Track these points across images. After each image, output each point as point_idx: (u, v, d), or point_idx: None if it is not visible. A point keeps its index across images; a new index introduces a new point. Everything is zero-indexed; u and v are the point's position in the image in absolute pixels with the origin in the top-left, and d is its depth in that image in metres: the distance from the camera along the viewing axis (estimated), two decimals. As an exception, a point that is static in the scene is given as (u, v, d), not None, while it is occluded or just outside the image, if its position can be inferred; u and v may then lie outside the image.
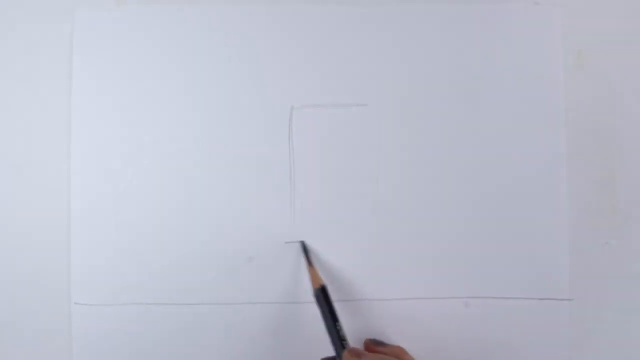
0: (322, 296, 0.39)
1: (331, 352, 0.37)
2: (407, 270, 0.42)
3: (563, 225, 0.42)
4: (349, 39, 0.43)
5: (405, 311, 0.42)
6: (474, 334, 0.42)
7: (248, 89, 0.42)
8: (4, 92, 0.43)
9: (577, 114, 0.42)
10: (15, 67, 0.43)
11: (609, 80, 0.43)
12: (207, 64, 0.43)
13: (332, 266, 0.42)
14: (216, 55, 0.43)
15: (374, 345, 0.40)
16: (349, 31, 0.43)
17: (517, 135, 0.42)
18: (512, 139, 0.42)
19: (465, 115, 0.42)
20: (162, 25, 0.43)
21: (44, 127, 0.43)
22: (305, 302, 0.41)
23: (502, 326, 0.42)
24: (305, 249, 0.41)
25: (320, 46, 0.43)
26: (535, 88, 0.42)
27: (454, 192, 0.42)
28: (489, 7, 0.43)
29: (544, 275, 0.42)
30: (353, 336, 0.41)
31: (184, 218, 0.42)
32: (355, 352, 0.36)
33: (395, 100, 0.42)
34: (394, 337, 0.42)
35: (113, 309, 0.42)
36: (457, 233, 0.42)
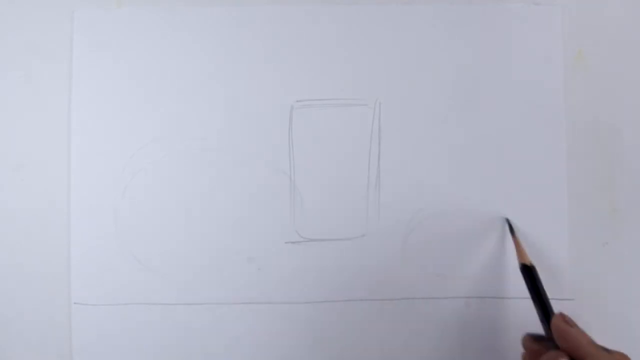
0: (527, 274, 0.38)
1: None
2: (407, 270, 0.42)
3: (563, 225, 0.42)
4: (349, 39, 0.43)
5: (405, 311, 0.42)
6: (474, 334, 0.42)
7: (248, 89, 0.42)
8: (4, 92, 0.43)
9: (577, 114, 0.42)
10: (15, 67, 0.43)
11: (608, 80, 0.43)
12: (207, 64, 0.43)
13: (332, 266, 0.42)
14: (216, 56, 0.43)
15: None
16: (349, 31, 0.43)
17: (516, 135, 0.42)
18: (511, 139, 0.42)
19: (465, 115, 0.42)
20: (162, 26, 0.43)
21: (44, 127, 0.43)
22: (304, 302, 0.41)
23: (502, 326, 0.42)
24: (510, 226, 0.41)
25: (320, 46, 0.43)
26: (535, 88, 0.42)
27: (454, 191, 0.42)
28: (489, 7, 0.43)
29: (544, 275, 0.42)
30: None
31: (184, 218, 0.42)
32: (565, 319, 0.35)
33: (396, 100, 0.42)
34: (394, 337, 0.42)
35: (113, 309, 0.42)
36: (457, 233, 0.42)
